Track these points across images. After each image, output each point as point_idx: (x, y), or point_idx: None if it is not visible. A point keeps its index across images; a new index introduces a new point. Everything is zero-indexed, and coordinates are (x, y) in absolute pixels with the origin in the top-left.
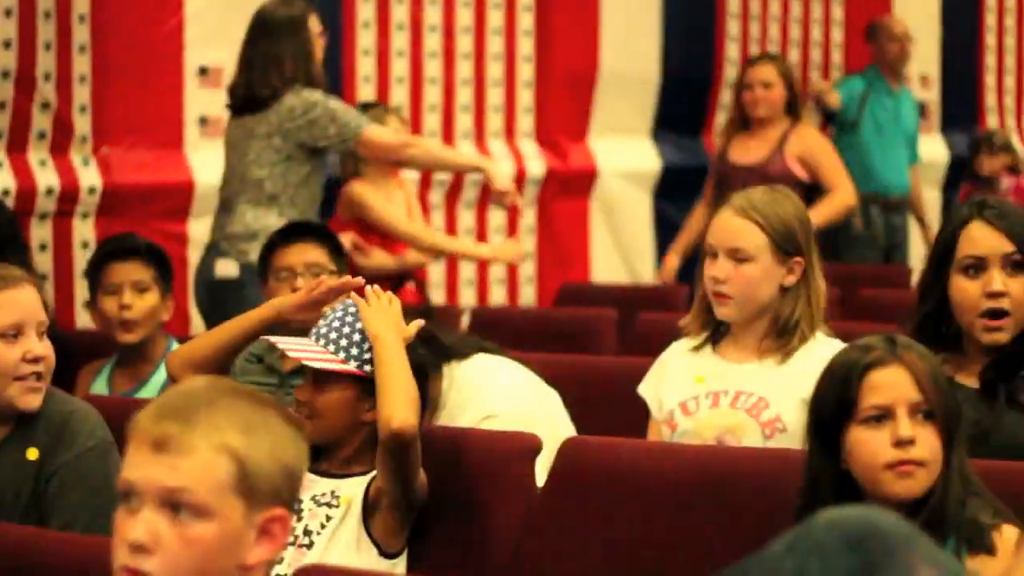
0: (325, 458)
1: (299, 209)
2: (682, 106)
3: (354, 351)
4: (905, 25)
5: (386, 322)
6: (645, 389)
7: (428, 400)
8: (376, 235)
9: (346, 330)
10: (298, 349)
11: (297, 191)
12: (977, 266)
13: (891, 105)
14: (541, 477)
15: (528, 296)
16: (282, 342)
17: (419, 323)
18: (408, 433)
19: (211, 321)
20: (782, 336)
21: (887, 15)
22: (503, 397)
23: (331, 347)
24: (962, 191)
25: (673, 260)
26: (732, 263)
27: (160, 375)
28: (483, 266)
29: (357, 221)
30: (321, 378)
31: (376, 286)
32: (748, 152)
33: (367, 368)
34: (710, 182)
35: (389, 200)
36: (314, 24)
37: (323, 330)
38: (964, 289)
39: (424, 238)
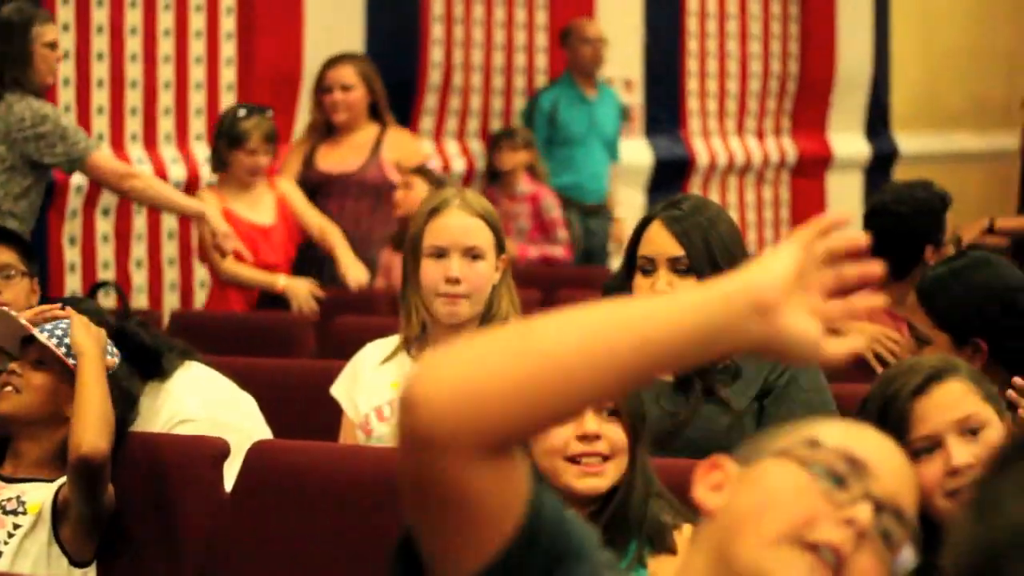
0: (10, 461)
1: (19, 219)
2: None
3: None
4: (599, 28)
5: (92, 339)
6: (338, 391)
7: (127, 423)
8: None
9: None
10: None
11: (16, 202)
12: (648, 267)
13: (585, 110)
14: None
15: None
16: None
17: (115, 361)
18: (96, 459)
19: None
20: None
21: (580, 18)
22: (195, 402)
23: (53, 340)
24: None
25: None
26: (466, 261)
27: None
28: (186, 270)
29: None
30: (40, 360)
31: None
32: (341, 160)
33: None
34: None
35: (251, 205)
36: (43, 32)
37: (50, 327)
38: (640, 287)
39: (217, 263)
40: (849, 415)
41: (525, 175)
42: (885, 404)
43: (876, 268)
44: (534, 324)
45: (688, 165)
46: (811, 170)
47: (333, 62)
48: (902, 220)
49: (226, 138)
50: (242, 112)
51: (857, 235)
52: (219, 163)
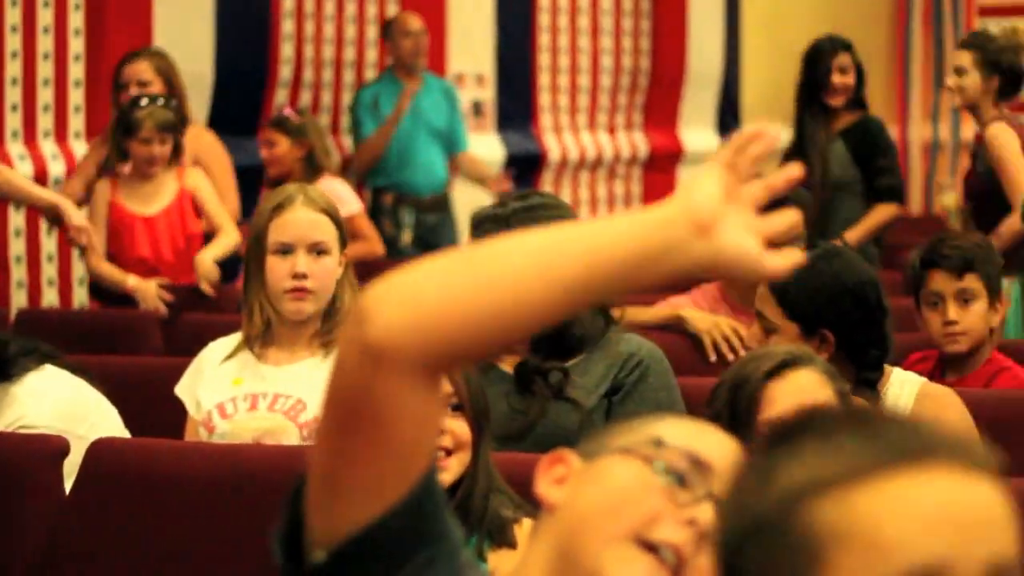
0: None
1: None
2: (236, 105)
3: None
4: (420, 21)
5: None
6: (181, 389)
7: None
8: None
9: None
10: None
11: None
12: None
13: (409, 104)
14: None
15: (82, 297)
16: None
17: None
18: None
19: None
20: (333, 330)
21: (403, 12)
22: (43, 409)
23: None
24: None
25: None
26: (312, 257)
27: None
28: (34, 268)
29: None
30: None
31: None
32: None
33: None
34: None
35: (146, 196)
36: None
37: None
38: None
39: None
40: (697, 409)
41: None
42: (737, 385)
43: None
44: (487, 246)
45: (540, 160)
46: (663, 165)
47: (129, 58)
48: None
49: (122, 128)
50: (140, 101)
51: (788, 170)
52: (120, 154)
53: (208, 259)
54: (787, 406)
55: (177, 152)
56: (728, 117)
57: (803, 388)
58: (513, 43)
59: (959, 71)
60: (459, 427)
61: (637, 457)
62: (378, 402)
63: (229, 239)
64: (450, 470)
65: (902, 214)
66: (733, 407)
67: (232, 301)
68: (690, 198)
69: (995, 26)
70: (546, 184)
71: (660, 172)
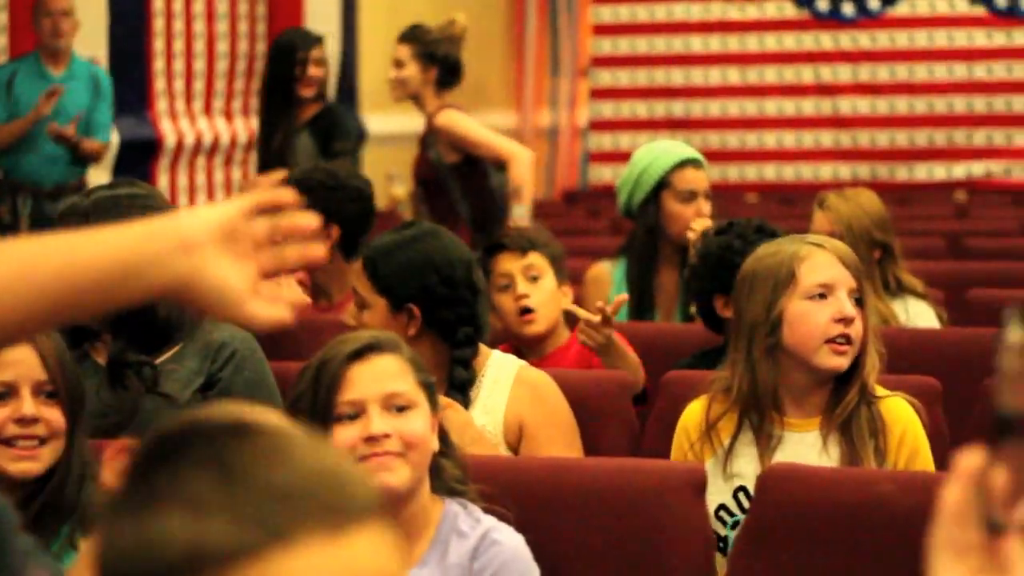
0: None
1: None
2: None
3: None
4: (68, 1)
5: None
6: None
7: None
8: None
9: None
10: None
11: None
12: None
13: (44, 86)
14: None
15: None
16: None
17: None
18: None
19: None
20: None
21: None
22: None
23: None
24: None
25: None
26: None
27: None
28: None
29: None
30: None
31: None
32: None
33: None
34: None
35: None
36: None
37: None
38: None
39: None
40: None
41: None
42: (321, 365)
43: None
44: None
45: (156, 146)
46: None
47: None
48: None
49: None
50: None
51: (307, 218)
52: None
53: None
54: (366, 391)
55: None
56: (347, 101)
57: (385, 373)
58: (127, 27)
59: (399, 64)
60: (52, 414)
61: None
62: None
63: None
64: (42, 459)
65: None
66: (315, 387)
67: None
68: (185, 218)
69: (609, 14)
70: (162, 170)
71: None
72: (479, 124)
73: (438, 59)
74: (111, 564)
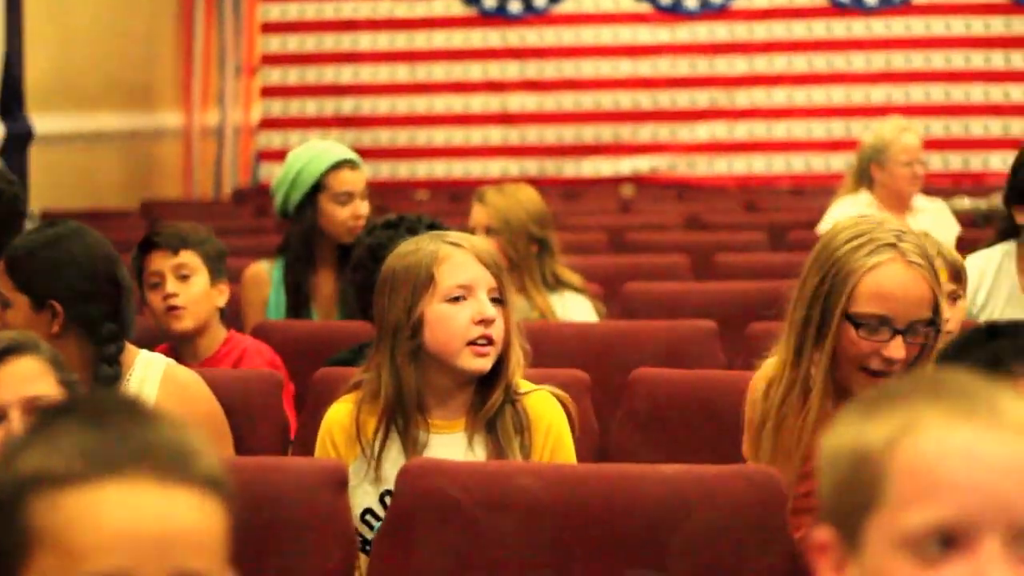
0: None
1: None
2: None
3: None
4: None
5: None
6: None
7: None
8: None
9: None
10: None
11: None
12: None
13: None
14: None
15: None
16: None
17: None
18: None
19: None
20: None
21: None
22: None
23: None
24: None
25: None
26: None
27: None
28: None
29: None
30: None
31: None
32: None
33: None
34: None
35: None
36: None
37: None
38: None
39: None
40: None
41: None
42: None
43: None
44: None
45: None
46: None
47: None
48: None
49: None
50: None
51: None
52: None
53: None
54: (6, 393)
55: None
56: (13, 103)
57: (25, 376)
58: None
59: None
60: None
61: None
62: None
63: None
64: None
65: None
66: None
67: None
68: None
69: (277, 11)
70: None
71: None
72: None
73: None
74: None
